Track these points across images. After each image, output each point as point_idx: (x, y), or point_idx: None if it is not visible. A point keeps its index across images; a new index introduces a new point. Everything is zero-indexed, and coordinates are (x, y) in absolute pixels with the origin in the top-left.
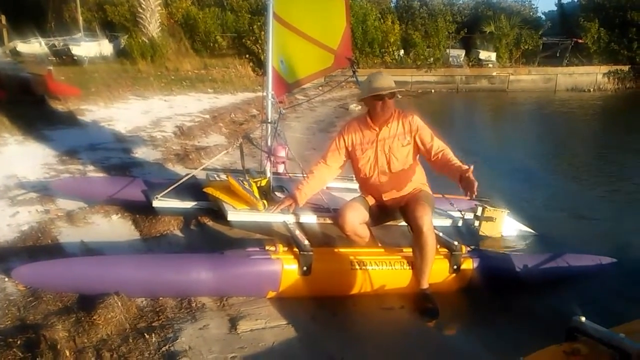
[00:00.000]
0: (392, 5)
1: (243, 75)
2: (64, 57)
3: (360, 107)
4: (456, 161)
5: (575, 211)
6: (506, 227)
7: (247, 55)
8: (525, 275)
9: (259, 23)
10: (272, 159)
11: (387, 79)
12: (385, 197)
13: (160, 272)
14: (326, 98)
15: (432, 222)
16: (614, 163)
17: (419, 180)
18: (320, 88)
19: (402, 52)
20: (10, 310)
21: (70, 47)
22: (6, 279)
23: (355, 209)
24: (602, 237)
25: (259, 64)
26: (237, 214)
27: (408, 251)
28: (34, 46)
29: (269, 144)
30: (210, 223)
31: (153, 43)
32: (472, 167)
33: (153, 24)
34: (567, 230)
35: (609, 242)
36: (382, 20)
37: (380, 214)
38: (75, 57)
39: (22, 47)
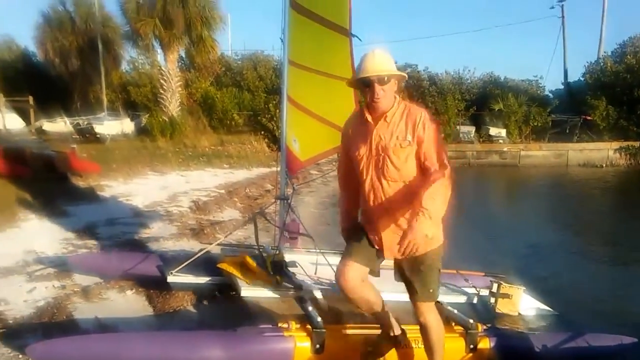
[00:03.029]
0: (402, 84)
1: (258, 150)
2: (88, 135)
3: None
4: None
5: (594, 289)
6: (523, 305)
7: (263, 132)
8: (545, 356)
9: (274, 102)
10: (285, 234)
11: (378, 61)
12: (381, 225)
13: (173, 350)
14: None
15: (437, 313)
16: (632, 239)
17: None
18: (334, 163)
19: None
20: None
21: (94, 125)
22: (20, 356)
23: (354, 259)
24: (622, 316)
25: (274, 140)
26: (250, 290)
27: None
28: (59, 125)
29: (283, 219)
30: (224, 299)
31: (172, 121)
32: (420, 217)
33: (173, 103)
34: (587, 309)
35: (629, 321)
36: None
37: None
38: (98, 135)
39: (48, 126)
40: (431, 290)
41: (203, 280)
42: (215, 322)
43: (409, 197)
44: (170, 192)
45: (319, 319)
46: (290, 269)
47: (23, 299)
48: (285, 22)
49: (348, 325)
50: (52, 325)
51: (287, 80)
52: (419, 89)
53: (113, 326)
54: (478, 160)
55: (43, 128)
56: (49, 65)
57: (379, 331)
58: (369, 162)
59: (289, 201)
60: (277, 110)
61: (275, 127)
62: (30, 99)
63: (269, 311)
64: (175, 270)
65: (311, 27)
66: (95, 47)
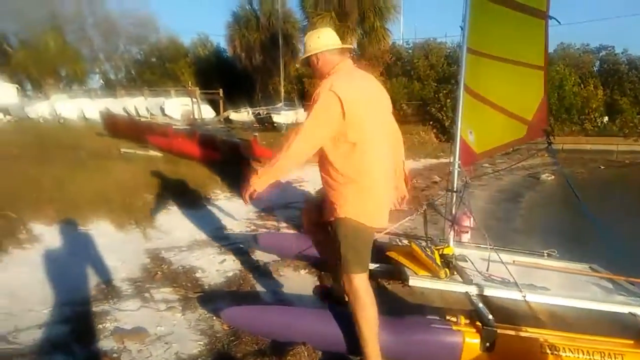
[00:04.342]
0: (595, 69)
1: (426, 141)
2: (266, 124)
3: (552, 177)
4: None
5: None
6: None
7: (431, 122)
8: None
9: (444, 91)
10: (455, 227)
11: (312, 39)
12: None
13: (340, 329)
14: (514, 166)
15: (362, 290)
16: None
17: (336, 186)
18: (508, 157)
19: (606, 118)
20: (216, 345)
21: (272, 115)
22: (214, 318)
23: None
24: None
25: (443, 131)
26: (418, 279)
27: (609, 341)
28: (243, 115)
29: (454, 212)
30: (390, 286)
31: None
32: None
33: None
34: None
35: None
36: (582, 86)
37: None
38: (275, 124)
39: (234, 115)
40: (344, 262)
41: (371, 266)
42: (380, 308)
43: (325, 162)
44: None
45: (490, 316)
46: (459, 262)
47: (215, 268)
48: (466, 9)
49: (522, 327)
50: (239, 294)
51: (465, 70)
52: (615, 74)
53: (288, 301)
54: None
55: (230, 117)
56: (237, 60)
57: (556, 335)
58: None
59: (460, 194)
60: (448, 100)
61: (444, 118)
62: (220, 91)
63: (435, 303)
64: None
65: (498, 11)
66: (276, 42)
